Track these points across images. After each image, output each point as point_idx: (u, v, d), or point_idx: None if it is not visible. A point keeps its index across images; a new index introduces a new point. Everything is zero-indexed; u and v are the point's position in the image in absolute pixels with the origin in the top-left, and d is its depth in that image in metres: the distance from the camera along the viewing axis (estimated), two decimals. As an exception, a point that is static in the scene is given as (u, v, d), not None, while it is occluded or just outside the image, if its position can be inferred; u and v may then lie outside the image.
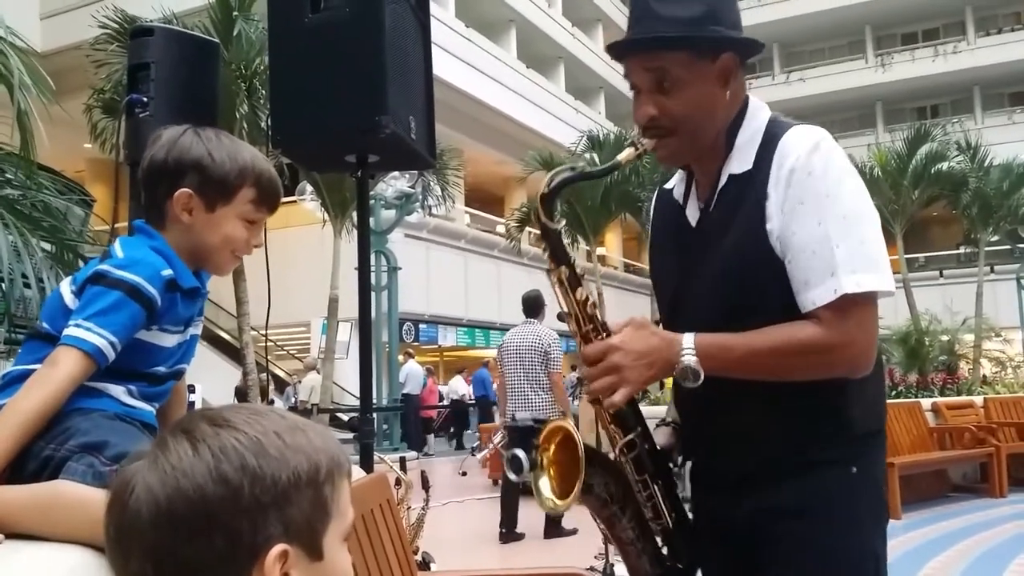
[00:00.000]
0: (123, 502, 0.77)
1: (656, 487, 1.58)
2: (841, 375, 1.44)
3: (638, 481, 1.57)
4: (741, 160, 1.50)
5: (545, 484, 1.57)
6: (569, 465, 1.53)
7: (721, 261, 1.49)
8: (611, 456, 1.59)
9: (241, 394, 10.16)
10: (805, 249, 1.40)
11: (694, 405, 1.60)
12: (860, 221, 1.41)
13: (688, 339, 1.42)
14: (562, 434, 1.56)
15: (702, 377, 1.41)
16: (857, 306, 1.39)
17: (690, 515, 1.63)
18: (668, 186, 1.73)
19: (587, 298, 1.52)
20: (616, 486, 1.57)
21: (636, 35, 1.50)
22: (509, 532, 6.62)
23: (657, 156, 1.55)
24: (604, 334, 1.49)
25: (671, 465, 1.63)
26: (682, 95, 1.47)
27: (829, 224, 1.39)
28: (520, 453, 1.54)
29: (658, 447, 1.61)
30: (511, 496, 6.70)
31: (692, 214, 1.61)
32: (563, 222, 16.22)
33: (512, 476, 1.57)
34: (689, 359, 1.41)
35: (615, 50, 1.55)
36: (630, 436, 1.55)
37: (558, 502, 1.55)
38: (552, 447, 1.57)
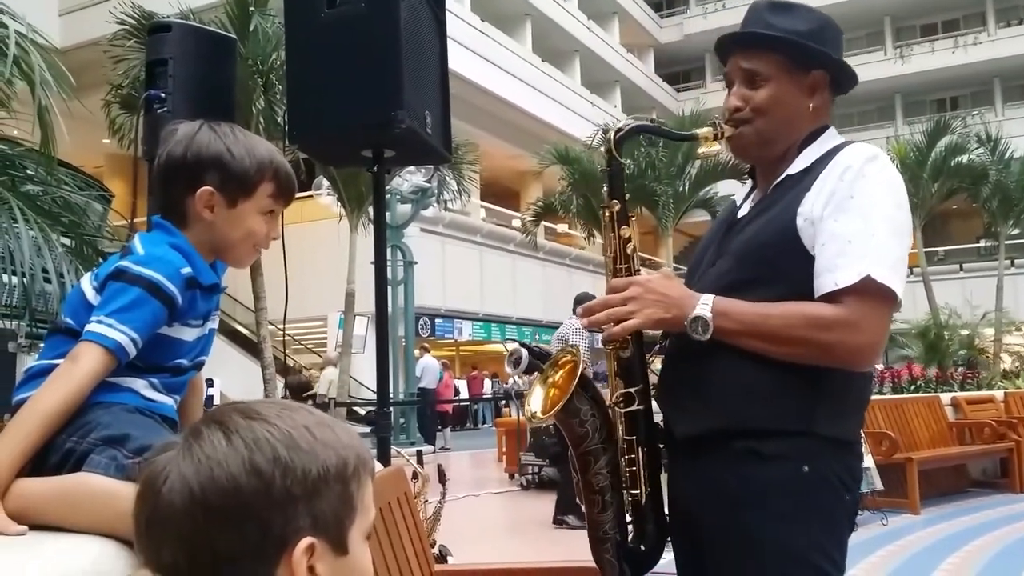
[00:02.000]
0: (156, 491, 0.77)
1: (640, 453, 1.60)
2: (843, 363, 1.47)
3: (625, 440, 1.60)
4: (803, 163, 1.60)
5: (538, 398, 1.63)
6: (565, 390, 1.58)
7: (747, 239, 1.58)
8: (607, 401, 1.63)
9: (295, 388, 10.17)
10: (841, 238, 1.46)
11: (671, 361, 1.64)
12: (896, 234, 1.49)
13: (707, 296, 1.51)
14: (571, 363, 1.61)
15: (711, 330, 1.47)
16: (875, 297, 1.44)
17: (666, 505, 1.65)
18: (735, 196, 1.85)
19: (630, 237, 1.61)
20: (601, 424, 1.60)
21: (744, 31, 1.63)
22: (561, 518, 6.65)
23: (729, 144, 1.66)
24: (634, 274, 1.59)
25: (660, 445, 1.65)
26: (767, 91, 1.59)
27: (872, 223, 1.46)
28: (523, 350, 1.64)
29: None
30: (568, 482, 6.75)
31: (743, 211, 1.70)
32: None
33: (508, 368, 1.64)
34: (704, 310, 1.48)
35: (722, 45, 1.67)
36: (629, 389, 1.60)
37: (540, 415, 1.60)
38: (559, 372, 1.63)
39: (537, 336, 24.32)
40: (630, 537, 1.62)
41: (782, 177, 1.61)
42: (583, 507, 1.66)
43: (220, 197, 1.44)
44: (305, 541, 0.77)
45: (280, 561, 0.76)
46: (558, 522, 6.60)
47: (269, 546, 0.76)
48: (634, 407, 1.60)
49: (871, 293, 1.43)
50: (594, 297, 6.20)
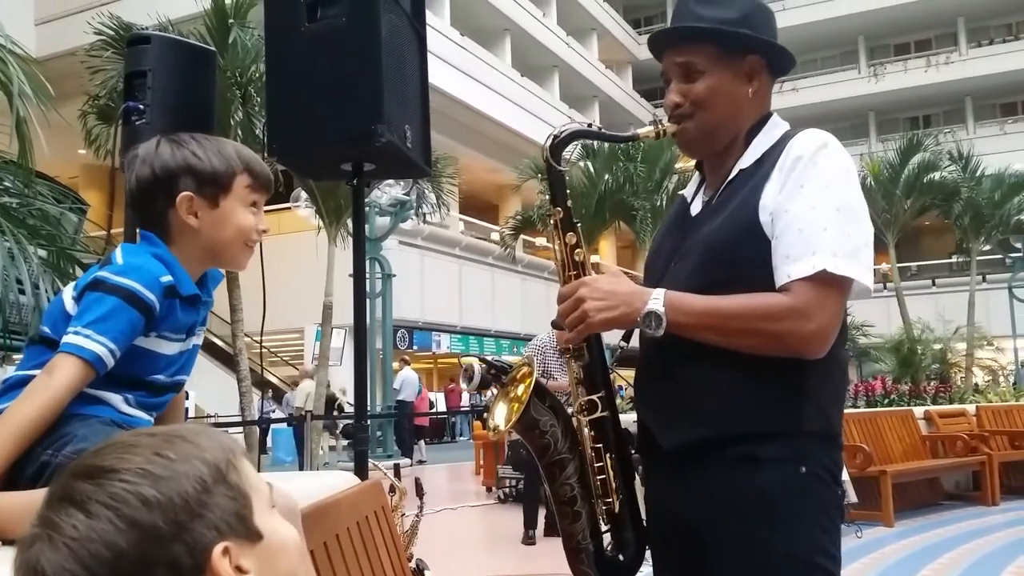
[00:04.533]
0: None
1: (609, 460, 1.58)
2: (796, 352, 1.45)
3: (593, 449, 1.58)
4: (753, 156, 1.58)
5: (500, 411, 1.61)
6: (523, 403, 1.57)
7: (710, 237, 1.55)
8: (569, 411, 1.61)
9: (331, 402, 10.02)
10: (793, 226, 1.45)
11: (646, 367, 1.61)
12: (851, 218, 1.47)
13: (659, 291, 1.49)
14: (528, 375, 1.59)
15: (664, 324, 1.45)
16: (828, 287, 1.44)
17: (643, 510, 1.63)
18: (683, 192, 1.81)
19: (576, 243, 1.59)
20: (564, 434, 1.58)
21: (672, 26, 1.62)
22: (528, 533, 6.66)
23: (677, 142, 1.64)
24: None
25: (631, 450, 1.63)
26: (704, 83, 1.57)
27: (821, 210, 1.45)
28: (476, 364, 1.61)
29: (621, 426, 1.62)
30: (532, 497, 6.76)
31: (696, 208, 1.68)
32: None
33: (463, 385, 1.63)
34: (655, 305, 1.46)
35: (654, 43, 1.64)
36: (591, 396, 1.58)
37: (501, 427, 1.58)
38: (520, 385, 1.61)
39: (515, 349, 24.32)
40: (608, 547, 1.61)
41: (735, 173, 1.59)
42: (557, 519, 1.65)
43: (200, 200, 1.44)
44: (218, 548, 0.75)
45: None
46: (529, 540, 6.61)
47: (188, 575, 0.74)
48: (599, 414, 1.58)
49: (824, 283, 1.43)
50: None
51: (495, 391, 1.64)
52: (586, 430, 1.59)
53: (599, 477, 1.58)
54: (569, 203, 1.61)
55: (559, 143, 1.60)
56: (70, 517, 0.73)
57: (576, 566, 1.61)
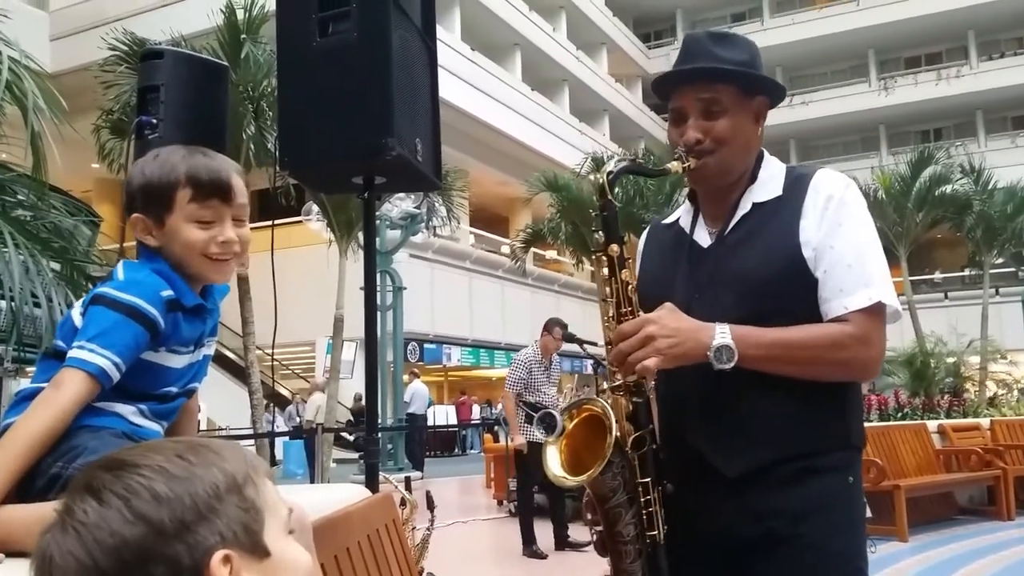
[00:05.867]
0: (49, 574, 0.75)
1: (656, 494, 1.61)
2: (855, 376, 1.63)
3: (640, 483, 1.60)
4: (766, 191, 1.68)
5: (554, 456, 1.61)
6: (583, 442, 1.58)
7: (750, 270, 1.62)
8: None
9: (356, 413, 10.03)
10: (841, 263, 1.57)
11: (699, 400, 1.63)
12: (879, 249, 1.63)
13: (722, 325, 1.54)
14: (586, 412, 1.61)
15: (736, 357, 1.51)
16: (879, 315, 1.58)
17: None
18: (666, 221, 1.88)
19: (629, 282, 1.61)
20: (629, 476, 1.60)
21: (700, 65, 1.67)
22: (529, 547, 6.64)
23: (690, 175, 1.70)
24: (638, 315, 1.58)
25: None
26: (726, 121, 1.65)
27: (863, 247, 1.60)
28: (556, 413, 1.64)
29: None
30: (528, 512, 6.75)
31: (702, 238, 1.74)
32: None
33: (539, 434, 1.64)
34: (725, 339, 1.52)
35: (671, 79, 1.70)
36: (641, 432, 1.60)
37: (569, 476, 1.59)
38: (574, 421, 1.62)
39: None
40: None
41: (749, 208, 1.67)
42: (608, 557, 1.66)
43: (148, 220, 1.45)
44: (218, 554, 0.75)
45: None
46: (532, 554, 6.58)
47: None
48: (645, 449, 1.60)
49: (877, 313, 1.57)
50: (559, 322, 6.23)
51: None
52: (636, 464, 1.61)
53: (647, 510, 1.60)
54: (624, 240, 1.64)
55: (613, 178, 1.64)
56: (84, 503, 0.76)
57: None
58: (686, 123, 1.67)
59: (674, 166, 1.67)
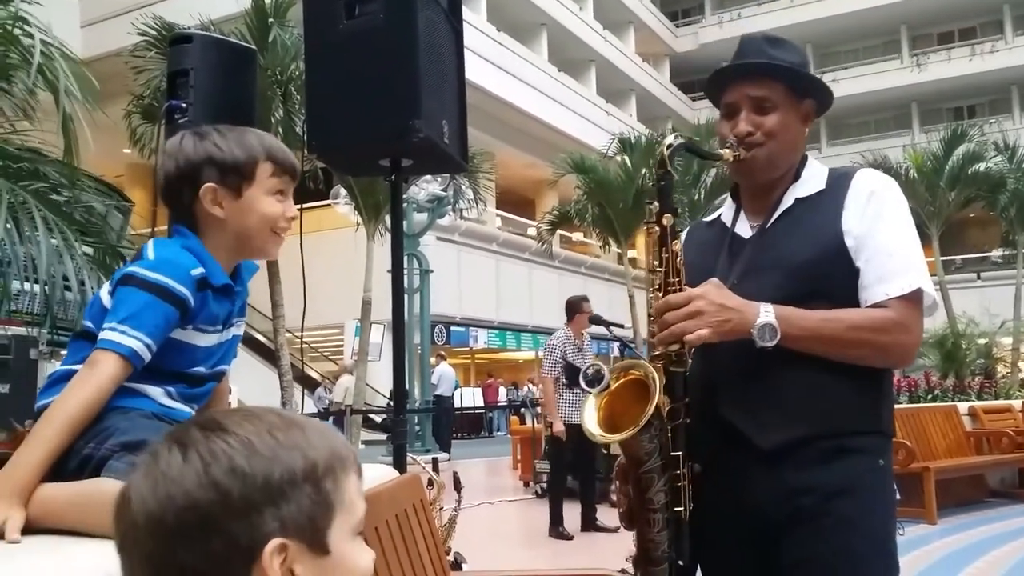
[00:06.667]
0: (123, 511, 0.77)
1: (686, 469, 1.63)
2: (892, 362, 1.67)
3: (671, 456, 1.63)
4: (808, 188, 1.74)
5: (591, 413, 1.64)
6: (621, 407, 1.60)
7: (792, 254, 1.67)
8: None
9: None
10: (882, 251, 1.63)
11: (737, 375, 1.66)
12: (917, 241, 1.69)
13: (767, 304, 1.59)
14: (631, 376, 1.63)
15: (779, 336, 1.55)
16: (918, 303, 1.64)
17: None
18: (707, 219, 1.94)
19: (679, 254, 1.65)
20: (664, 442, 1.61)
21: (756, 61, 1.74)
22: (556, 528, 6.67)
23: (738, 167, 1.74)
24: (682, 288, 1.62)
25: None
26: (776, 117, 1.71)
27: (904, 239, 1.66)
28: (604, 369, 1.68)
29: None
30: (558, 494, 6.77)
31: (743, 230, 1.79)
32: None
33: (583, 384, 1.68)
34: (769, 317, 1.56)
35: (726, 74, 1.75)
36: (676, 404, 1.63)
37: (607, 434, 1.61)
38: (619, 382, 1.65)
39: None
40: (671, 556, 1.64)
41: (791, 202, 1.73)
42: (634, 527, 1.67)
43: (224, 191, 1.45)
44: (274, 543, 0.74)
45: (254, 568, 0.75)
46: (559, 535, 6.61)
47: (236, 557, 0.74)
48: (679, 422, 1.63)
49: (916, 300, 1.62)
50: (584, 298, 6.25)
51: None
52: (669, 437, 1.63)
53: (676, 484, 1.62)
54: (679, 211, 1.69)
55: (672, 152, 1.69)
56: (170, 454, 0.77)
57: (647, 569, 1.65)
58: (737, 117, 1.72)
59: (726, 154, 1.71)
